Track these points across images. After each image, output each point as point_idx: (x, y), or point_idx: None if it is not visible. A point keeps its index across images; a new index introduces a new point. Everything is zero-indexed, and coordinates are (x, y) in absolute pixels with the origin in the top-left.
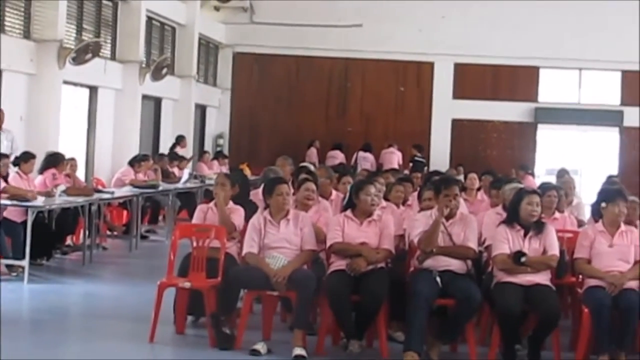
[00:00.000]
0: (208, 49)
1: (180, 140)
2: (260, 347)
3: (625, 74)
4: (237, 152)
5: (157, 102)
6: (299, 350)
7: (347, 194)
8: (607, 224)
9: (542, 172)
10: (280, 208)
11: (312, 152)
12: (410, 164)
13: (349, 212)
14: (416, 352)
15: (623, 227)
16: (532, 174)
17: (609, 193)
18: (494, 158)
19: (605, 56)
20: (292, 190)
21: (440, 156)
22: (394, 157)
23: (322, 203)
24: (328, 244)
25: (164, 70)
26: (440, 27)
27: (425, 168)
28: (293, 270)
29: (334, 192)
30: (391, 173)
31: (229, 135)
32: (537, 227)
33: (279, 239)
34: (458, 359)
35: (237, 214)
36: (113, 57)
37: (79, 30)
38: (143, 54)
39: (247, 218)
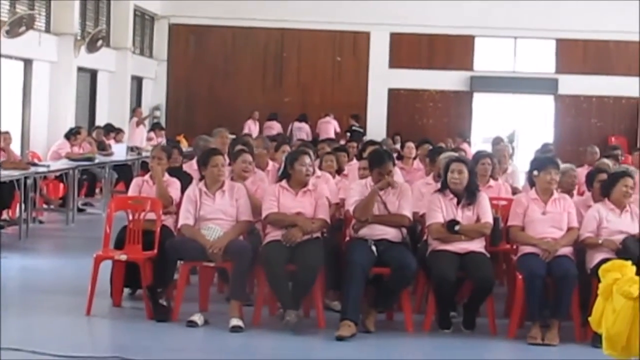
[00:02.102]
0: (144, 20)
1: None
2: (197, 318)
3: (560, 42)
4: (174, 124)
5: (93, 74)
6: (235, 321)
7: (282, 165)
8: (539, 191)
9: (479, 140)
10: (216, 179)
11: (251, 124)
12: (348, 134)
13: (284, 183)
14: (352, 321)
15: (556, 194)
16: (469, 142)
17: (541, 161)
18: (431, 127)
19: (539, 24)
20: (227, 162)
21: (377, 125)
22: (330, 127)
23: (259, 174)
24: (263, 214)
25: (100, 42)
26: None
27: (363, 137)
28: (229, 242)
29: (270, 163)
30: (327, 143)
31: (166, 107)
32: (470, 196)
33: (214, 210)
34: (394, 327)
35: (173, 186)
36: (48, 30)
37: (13, 2)
38: (78, 26)
39: (182, 190)
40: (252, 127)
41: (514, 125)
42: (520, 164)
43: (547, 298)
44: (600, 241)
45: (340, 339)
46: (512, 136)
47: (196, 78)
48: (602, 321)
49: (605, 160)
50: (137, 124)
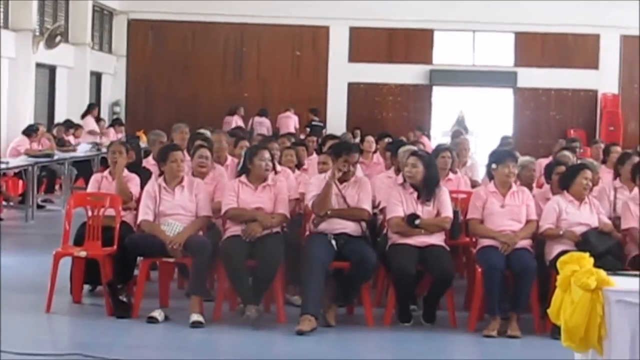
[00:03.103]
0: (102, 16)
1: (92, 108)
2: (158, 314)
3: (519, 35)
4: (133, 119)
5: (52, 70)
6: (196, 317)
7: (242, 160)
8: (498, 184)
9: (438, 134)
10: (175, 175)
11: (237, 120)
12: (308, 129)
13: (243, 178)
14: (313, 315)
15: (515, 187)
16: (428, 136)
17: (499, 155)
18: (390, 120)
19: (498, 18)
20: (187, 157)
21: (337, 120)
22: (290, 122)
23: (218, 169)
24: (223, 209)
25: (58, 38)
26: None
27: (323, 132)
28: (188, 237)
29: (229, 158)
30: (287, 137)
31: (125, 103)
32: (429, 190)
33: (174, 206)
34: (354, 321)
35: (133, 182)
36: (5, 26)
37: None
38: (36, 21)
39: (142, 185)
40: (238, 124)
41: (473, 120)
42: (480, 157)
43: (506, 291)
44: (561, 232)
45: (300, 333)
46: (461, 122)
47: (156, 73)
48: (561, 313)
49: (566, 152)
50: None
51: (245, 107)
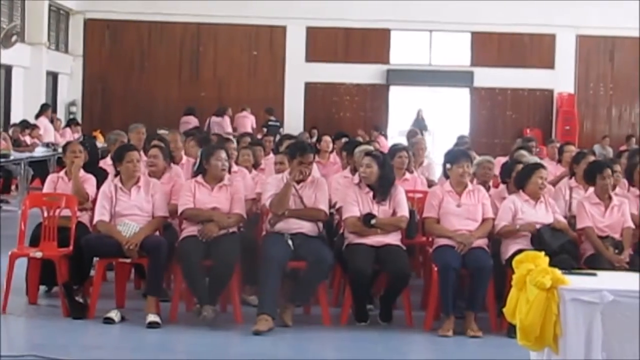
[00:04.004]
0: (59, 15)
1: (45, 109)
2: (114, 315)
3: (475, 35)
4: (89, 120)
5: (7, 70)
6: (152, 317)
7: (198, 160)
8: (453, 184)
9: (395, 133)
10: (131, 175)
11: (225, 121)
12: (265, 129)
13: (199, 178)
14: (269, 315)
15: (470, 186)
16: (385, 135)
17: (453, 154)
18: (347, 120)
19: (455, 18)
20: (144, 157)
21: (294, 119)
22: (247, 121)
23: (175, 169)
24: (179, 210)
25: (14, 38)
26: None
27: (280, 131)
28: (145, 237)
29: (184, 157)
30: (245, 137)
31: (82, 103)
32: (385, 189)
33: (130, 206)
34: (311, 321)
35: (89, 182)
36: None
37: None
38: None
39: (98, 186)
40: (224, 124)
41: (430, 119)
42: (437, 156)
43: (462, 290)
44: (517, 227)
45: (257, 333)
46: (421, 121)
47: (112, 73)
48: (516, 312)
49: (522, 152)
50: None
51: (201, 107)
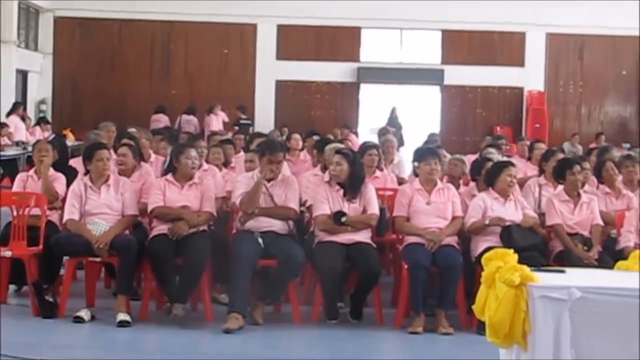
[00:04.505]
0: (28, 13)
1: (17, 107)
2: (84, 314)
3: (446, 33)
4: (60, 118)
5: None
6: (122, 316)
7: (168, 158)
8: (423, 182)
9: (366, 131)
10: (101, 174)
11: (211, 119)
12: (236, 127)
13: (169, 176)
14: (240, 313)
15: (440, 184)
16: (356, 133)
17: (421, 152)
18: (318, 118)
19: (425, 16)
20: (114, 156)
21: (265, 117)
22: (218, 119)
23: (145, 167)
24: (149, 208)
25: None
26: None
27: (251, 129)
28: (115, 236)
29: (152, 155)
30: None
31: (52, 101)
32: (355, 187)
33: (99, 205)
34: (282, 319)
35: (59, 181)
36: None
37: None
38: None
39: (68, 185)
40: (213, 122)
41: (401, 117)
42: (408, 154)
43: (433, 288)
44: (487, 222)
45: (227, 331)
46: (395, 119)
47: (83, 71)
48: (485, 309)
49: (491, 149)
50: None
51: (172, 105)
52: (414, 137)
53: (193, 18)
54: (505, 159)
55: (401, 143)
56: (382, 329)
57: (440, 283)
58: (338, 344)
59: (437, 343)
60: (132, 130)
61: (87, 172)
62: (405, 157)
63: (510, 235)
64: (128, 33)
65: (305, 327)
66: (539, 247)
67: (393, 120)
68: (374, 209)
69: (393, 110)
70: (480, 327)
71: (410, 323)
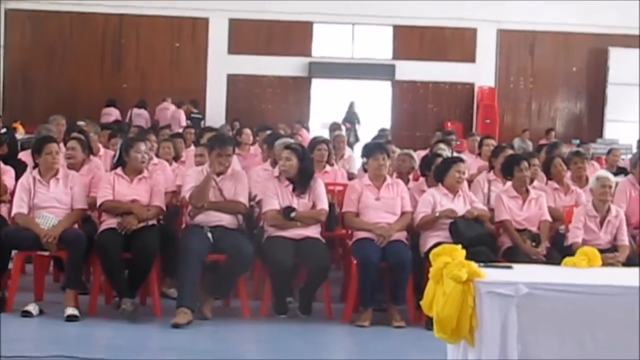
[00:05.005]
0: None
1: None
2: (32, 308)
3: (397, 28)
4: (10, 111)
5: None
6: (71, 310)
7: (117, 152)
8: (372, 177)
9: (317, 126)
10: (50, 167)
11: (181, 113)
12: (188, 121)
13: (119, 170)
14: (189, 308)
15: (389, 179)
16: (307, 128)
17: (369, 148)
18: (270, 112)
19: (377, 11)
20: (63, 149)
21: (216, 111)
22: (169, 113)
23: (94, 161)
24: (98, 202)
25: None
26: None
27: (202, 123)
28: (63, 230)
29: (102, 149)
30: (167, 129)
31: (2, 94)
32: (304, 182)
33: (48, 199)
34: (231, 314)
35: (8, 175)
36: None
37: None
38: None
39: (17, 178)
40: (183, 116)
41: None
42: (358, 149)
43: (382, 283)
44: (437, 214)
45: (176, 326)
46: (353, 114)
47: (33, 64)
48: (433, 304)
49: (441, 145)
50: None
51: (124, 99)
52: (366, 132)
53: (145, 11)
54: (455, 154)
55: (357, 139)
56: (331, 324)
57: (391, 278)
58: (287, 339)
59: (386, 338)
60: (81, 123)
61: (36, 166)
62: (358, 153)
63: (457, 227)
64: (79, 26)
65: (254, 321)
66: (484, 237)
67: (351, 115)
68: (323, 204)
69: (351, 105)
70: (428, 323)
71: (359, 318)
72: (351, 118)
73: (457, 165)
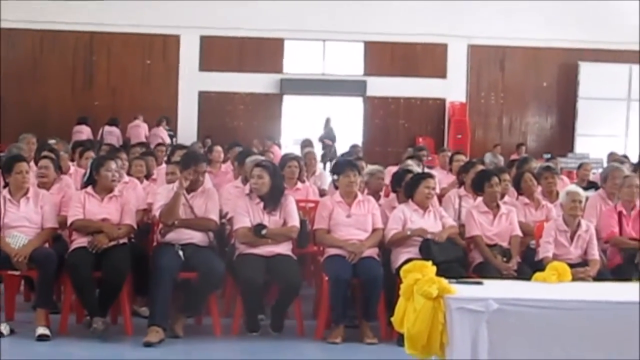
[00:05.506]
0: None
1: None
2: (3, 328)
3: (368, 44)
4: None
5: None
6: (42, 330)
7: (88, 170)
8: (343, 194)
9: (289, 142)
10: (20, 186)
11: (159, 131)
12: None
13: (89, 189)
14: (160, 326)
15: (360, 196)
16: (279, 145)
17: (340, 165)
18: (241, 129)
19: (348, 27)
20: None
21: (188, 128)
22: (141, 131)
23: (65, 180)
24: (69, 221)
25: None
26: (185, 1)
27: (174, 141)
28: (34, 249)
29: (72, 167)
30: (138, 147)
31: None
32: (275, 199)
33: (19, 218)
34: (202, 332)
35: None
36: None
37: None
38: None
39: None
40: (160, 134)
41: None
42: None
43: (354, 299)
44: (408, 232)
45: (148, 345)
46: (330, 131)
47: (4, 82)
48: (404, 321)
49: (408, 161)
50: None
51: (95, 116)
52: (338, 148)
53: (116, 29)
54: (426, 170)
55: (334, 156)
56: (303, 341)
57: (362, 295)
58: (258, 356)
59: (358, 354)
60: (52, 142)
61: (6, 185)
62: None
63: (429, 249)
64: (50, 44)
65: (226, 339)
66: (459, 258)
67: (328, 132)
68: (295, 221)
69: (327, 121)
70: (400, 339)
71: (330, 334)
72: (329, 135)
73: (426, 181)
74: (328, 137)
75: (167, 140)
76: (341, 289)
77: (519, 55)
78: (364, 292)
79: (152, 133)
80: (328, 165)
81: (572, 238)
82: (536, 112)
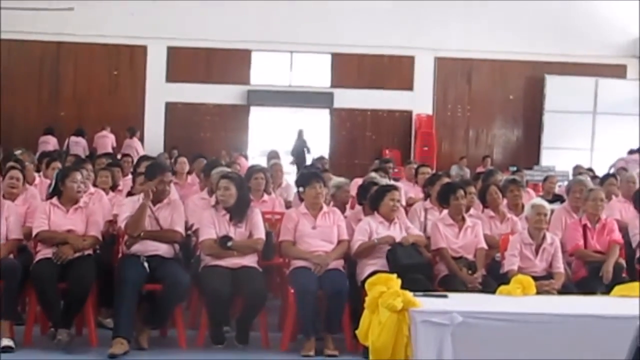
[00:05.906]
0: None
1: None
2: None
3: (335, 56)
4: None
5: None
6: (6, 342)
7: (53, 181)
8: (308, 206)
9: (256, 154)
10: None
11: (134, 142)
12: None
13: (54, 200)
14: (125, 338)
15: (325, 208)
16: (245, 156)
17: (305, 177)
18: (208, 140)
19: (315, 39)
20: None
21: (154, 139)
22: (107, 141)
23: (30, 191)
24: (34, 232)
25: None
26: (152, 11)
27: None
28: None
29: (37, 178)
30: (105, 158)
31: None
32: (241, 211)
33: None
34: (167, 344)
35: None
36: None
37: None
38: None
39: None
40: (135, 145)
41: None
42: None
43: (319, 311)
44: (375, 241)
45: (112, 357)
46: (303, 142)
47: None
48: (369, 334)
49: (372, 174)
50: None
51: (61, 127)
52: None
53: (82, 39)
54: (392, 182)
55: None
56: (268, 353)
57: (327, 307)
58: None
59: None
60: (17, 152)
61: None
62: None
63: (394, 254)
64: (16, 53)
65: (191, 351)
66: (422, 266)
67: (301, 143)
68: (260, 233)
69: (300, 133)
70: (365, 352)
71: (297, 347)
72: (301, 146)
73: (391, 193)
74: (305, 148)
75: (142, 152)
76: (307, 301)
77: (486, 68)
78: (328, 304)
79: (126, 144)
80: (285, 177)
81: (537, 251)
82: (502, 125)
